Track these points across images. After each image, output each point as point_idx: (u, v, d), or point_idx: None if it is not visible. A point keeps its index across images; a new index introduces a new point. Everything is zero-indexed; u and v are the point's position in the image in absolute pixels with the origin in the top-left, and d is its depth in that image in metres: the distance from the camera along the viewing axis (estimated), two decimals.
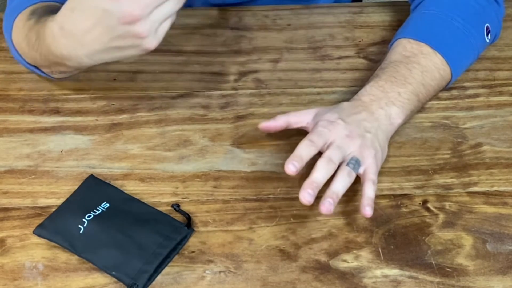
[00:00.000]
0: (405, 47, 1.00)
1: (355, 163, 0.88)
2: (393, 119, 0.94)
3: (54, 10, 0.90)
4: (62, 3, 0.87)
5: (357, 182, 0.91)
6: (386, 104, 0.94)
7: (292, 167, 0.85)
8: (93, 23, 0.81)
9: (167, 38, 1.12)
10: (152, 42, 0.83)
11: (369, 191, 0.88)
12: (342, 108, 0.94)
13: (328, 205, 0.85)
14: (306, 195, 0.84)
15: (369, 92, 0.95)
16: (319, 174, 0.86)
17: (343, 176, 0.87)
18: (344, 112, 0.93)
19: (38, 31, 0.90)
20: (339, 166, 0.88)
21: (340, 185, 0.87)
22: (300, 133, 0.99)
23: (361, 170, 0.89)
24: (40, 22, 0.91)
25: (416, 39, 1.00)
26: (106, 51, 0.83)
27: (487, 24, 1.04)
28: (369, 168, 0.89)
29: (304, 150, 0.87)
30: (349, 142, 0.89)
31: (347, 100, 0.97)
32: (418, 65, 0.98)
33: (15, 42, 0.98)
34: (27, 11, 0.96)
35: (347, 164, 0.88)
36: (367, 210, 0.86)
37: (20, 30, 0.96)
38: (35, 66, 1.00)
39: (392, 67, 0.98)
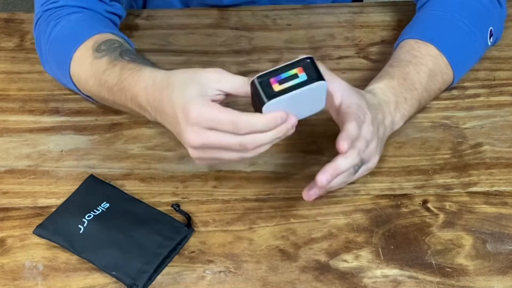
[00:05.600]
0: (413, 47, 0.99)
1: (361, 165, 0.87)
2: (394, 125, 0.94)
3: (120, 49, 0.93)
4: (118, 35, 0.94)
5: (357, 181, 0.91)
6: (394, 109, 0.94)
7: (345, 145, 0.81)
8: (169, 112, 0.81)
9: (167, 38, 1.13)
10: (199, 163, 0.83)
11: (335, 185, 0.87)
12: (366, 99, 0.89)
13: (313, 194, 0.85)
14: (323, 179, 0.81)
15: (384, 91, 0.94)
16: (346, 163, 0.82)
17: (345, 176, 0.86)
18: (369, 105, 0.89)
19: (121, 77, 0.89)
20: None
21: (337, 182, 0.86)
22: (300, 134, 0.99)
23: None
24: (123, 67, 0.89)
25: (423, 40, 1.00)
26: (169, 122, 0.83)
27: (490, 28, 1.04)
28: (359, 172, 0.89)
29: (354, 130, 0.82)
30: (371, 140, 0.86)
31: None
32: (426, 67, 0.97)
33: (75, 74, 0.96)
34: (89, 46, 0.95)
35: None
36: (321, 178, 0.82)
37: (87, 67, 0.94)
38: (85, 94, 0.99)
39: (402, 66, 0.97)
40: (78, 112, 1.02)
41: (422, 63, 0.98)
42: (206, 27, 1.15)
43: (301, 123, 0.98)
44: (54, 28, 0.99)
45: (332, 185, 0.86)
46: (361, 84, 1.00)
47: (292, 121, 0.79)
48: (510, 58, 1.10)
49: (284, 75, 0.76)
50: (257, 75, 0.77)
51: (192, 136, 0.79)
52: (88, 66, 0.94)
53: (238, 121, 0.77)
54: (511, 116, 1.02)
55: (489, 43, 1.05)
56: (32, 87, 1.05)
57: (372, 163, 0.89)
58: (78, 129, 1.00)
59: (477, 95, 1.05)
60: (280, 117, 0.78)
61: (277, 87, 0.76)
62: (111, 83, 0.90)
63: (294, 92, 0.76)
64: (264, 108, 0.76)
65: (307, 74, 0.76)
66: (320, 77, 0.76)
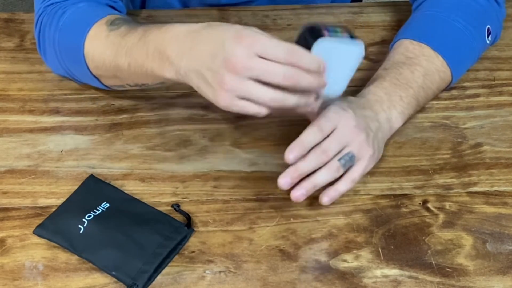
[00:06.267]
0: (407, 48, 1.00)
1: (349, 159, 0.87)
2: (392, 123, 0.94)
3: (134, 22, 0.94)
4: (126, 16, 0.93)
5: (359, 180, 0.91)
6: (388, 107, 0.94)
7: (291, 156, 0.84)
8: (209, 45, 0.80)
9: None
10: (225, 101, 0.79)
11: (342, 186, 0.87)
12: (350, 101, 0.92)
13: (300, 194, 0.85)
14: (283, 182, 0.84)
15: (373, 92, 0.95)
16: (306, 164, 0.85)
17: (330, 170, 0.86)
18: (353, 104, 0.91)
19: (145, 33, 0.88)
20: None
21: (323, 178, 0.86)
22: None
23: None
24: (147, 27, 0.89)
25: (417, 40, 1.00)
26: (196, 74, 0.81)
27: (488, 26, 1.04)
28: (359, 166, 0.88)
29: (309, 137, 0.86)
30: (354, 134, 0.88)
31: None
32: (420, 67, 0.98)
33: (89, 52, 0.95)
34: (102, 23, 0.95)
35: (339, 159, 0.87)
36: (325, 200, 0.87)
37: (102, 40, 0.94)
38: (95, 77, 0.98)
39: (395, 68, 0.98)
40: (78, 112, 1.02)
41: (416, 63, 0.98)
42: None
43: (301, 123, 0.98)
44: (62, 17, 0.98)
45: (318, 183, 0.86)
46: (361, 84, 1.00)
47: (324, 81, 0.80)
48: (510, 58, 1.10)
49: (332, 29, 0.82)
50: (308, 23, 0.82)
51: (242, 58, 0.77)
52: (104, 39, 0.93)
53: (293, 48, 0.78)
54: (511, 116, 1.02)
55: (488, 42, 1.05)
56: (32, 87, 1.05)
57: (367, 157, 0.89)
58: (78, 129, 1.00)
59: (477, 95, 1.05)
60: (322, 64, 0.79)
61: (326, 35, 0.81)
62: (131, 43, 0.89)
63: (341, 43, 0.81)
64: (314, 46, 0.80)
65: (349, 35, 0.82)
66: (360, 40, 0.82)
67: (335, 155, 0.87)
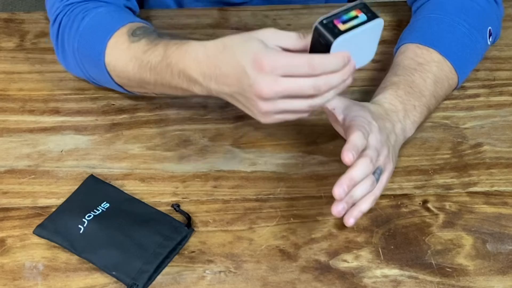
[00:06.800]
0: (416, 53, 0.99)
1: (380, 173, 0.86)
2: (406, 133, 0.93)
3: (157, 33, 0.93)
4: (147, 25, 0.94)
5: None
6: (403, 117, 0.93)
7: (351, 156, 0.81)
8: (232, 72, 0.80)
9: None
10: (266, 120, 0.80)
11: (365, 205, 0.85)
12: (370, 110, 0.90)
13: (341, 209, 0.82)
14: (341, 191, 0.81)
15: (389, 100, 0.93)
16: (359, 172, 0.82)
17: (367, 184, 0.84)
18: (375, 115, 0.90)
19: (166, 53, 0.87)
20: None
21: (361, 192, 0.84)
22: (300, 134, 0.99)
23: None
24: (166, 44, 0.88)
25: (425, 45, 0.99)
26: (230, 97, 0.82)
27: (489, 27, 1.03)
28: (381, 182, 0.87)
29: (359, 141, 0.83)
30: (381, 148, 0.86)
31: None
32: (432, 74, 0.97)
33: (111, 62, 0.95)
34: (123, 32, 0.94)
35: (373, 173, 0.85)
36: (351, 221, 0.84)
37: (124, 52, 0.93)
38: (119, 85, 0.97)
39: (407, 75, 0.96)
40: (78, 112, 1.02)
41: (427, 70, 0.97)
42: (206, 27, 1.15)
43: (301, 123, 0.98)
44: (82, 21, 0.97)
45: (356, 197, 0.83)
46: (362, 84, 1.00)
47: (353, 65, 0.80)
48: (510, 58, 1.10)
49: (346, 17, 0.79)
50: (318, 20, 0.79)
51: (268, 86, 0.77)
52: (125, 51, 0.93)
53: (313, 61, 0.77)
54: (511, 116, 1.02)
55: (489, 43, 1.05)
56: (32, 87, 1.05)
57: (388, 171, 0.88)
58: (78, 129, 1.00)
59: (477, 95, 1.05)
60: (346, 56, 0.79)
61: (342, 27, 0.78)
62: (154, 62, 0.89)
63: (358, 29, 0.78)
64: (333, 47, 0.78)
65: (365, 14, 0.79)
66: (377, 16, 0.80)
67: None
